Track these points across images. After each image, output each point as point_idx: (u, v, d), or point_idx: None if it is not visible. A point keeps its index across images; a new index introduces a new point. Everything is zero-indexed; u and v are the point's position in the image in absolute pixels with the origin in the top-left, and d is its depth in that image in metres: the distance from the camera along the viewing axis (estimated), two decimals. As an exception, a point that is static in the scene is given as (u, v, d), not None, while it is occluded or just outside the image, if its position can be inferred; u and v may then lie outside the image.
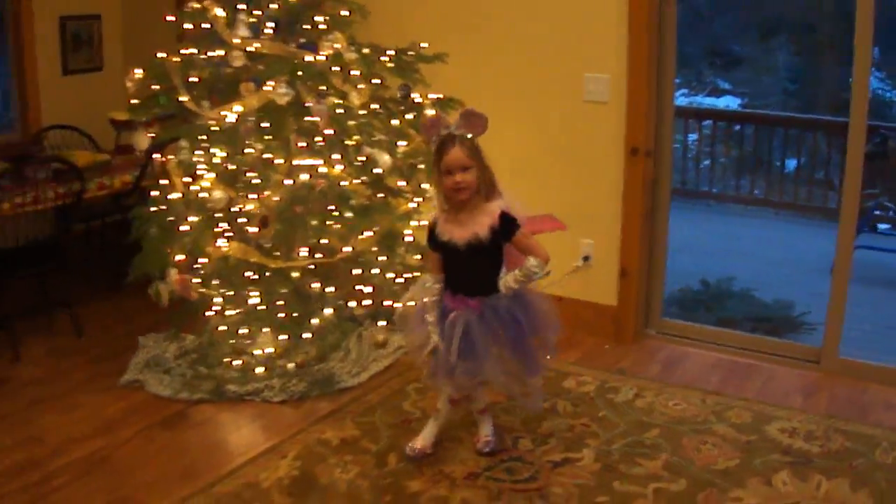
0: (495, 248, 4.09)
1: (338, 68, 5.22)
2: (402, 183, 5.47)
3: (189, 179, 5.30)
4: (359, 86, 5.29)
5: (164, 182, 5.43)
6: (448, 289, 4.21)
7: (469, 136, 4.10)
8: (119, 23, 8.68)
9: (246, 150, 5.11)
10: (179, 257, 5.16)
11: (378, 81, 5.49)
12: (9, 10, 7.93)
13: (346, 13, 5.43)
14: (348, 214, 5.15)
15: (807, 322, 6.93)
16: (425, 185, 5.47)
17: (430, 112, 5.35)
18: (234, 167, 5.15)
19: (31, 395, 5.40)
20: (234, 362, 5.43)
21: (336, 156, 5.16)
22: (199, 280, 5.26)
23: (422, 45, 5.56)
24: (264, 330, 5.33)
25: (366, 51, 5.36)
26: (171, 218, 5.34)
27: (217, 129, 5.10)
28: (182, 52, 5.26)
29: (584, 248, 6.03)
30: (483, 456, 4.44)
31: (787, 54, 11.45)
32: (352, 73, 5.27)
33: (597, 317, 6.04)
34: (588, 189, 5.96)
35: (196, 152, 5.27)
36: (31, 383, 5.57)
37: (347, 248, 5.30)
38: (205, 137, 5.22)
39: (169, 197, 5.29)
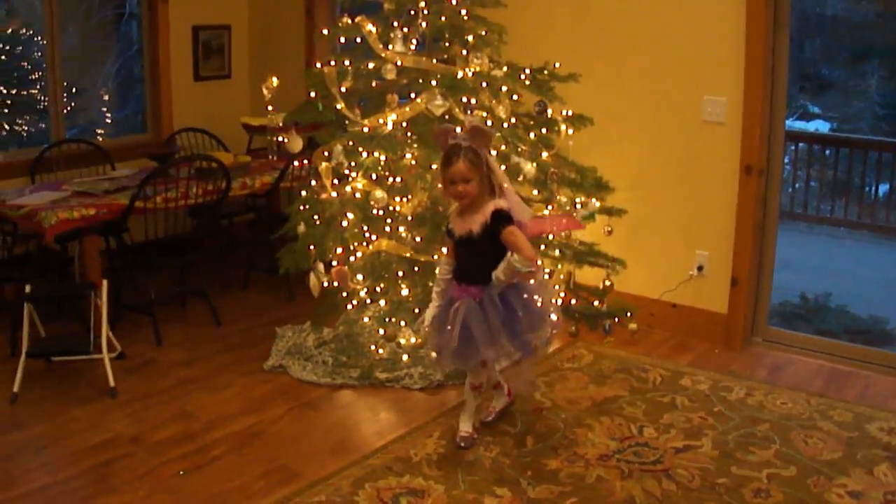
0: (491, 243, 4.37)
1: (484, 84, 5.55)
2: (535, 192, 5.78)
3: (337, 182, 5.67)
4: (504, 100, 5.63)
5: (314, 183, 5.81)
6: (455, 279, 4.58)
7: (474, 148, 4.37)
8: (246, 33, 9.11)
9: (406, 156, 5.48)
10: (338, 251, 5.53)
11: (516, 97, 5.82)
12: (145, 19, 8.38)
13: (483, 33, 5.74)
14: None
15: (902, 335, 7.17)
16: (558, 196, 5.77)
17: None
18: (385, 172, 5.51)
19: (179, 375, 5.82)
20: (380, 350, 5.80)
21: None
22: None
23: (556, 64, 5.88)
24: (403, 324, 5.69)
25: (505, 69, 5.71)
26: (316, 216, 5.73)
27: (371, 135, 5.47)
28: (331, 62, 5.59)
29: (698, 259, 6.34)
30: (485, 425, 4.98)
31: (877, 79, 11.43)
32: (502, 88, 5.61)
33: (708, 323, 6.35)
34: (704, 204, 6.28)
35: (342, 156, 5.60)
36: (176, 365, 5.99)
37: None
38: (351, 143, 5.58)
39: (322, 197, 5.66)
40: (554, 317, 4.78)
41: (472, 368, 4.73)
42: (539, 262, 4.52)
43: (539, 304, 4.55)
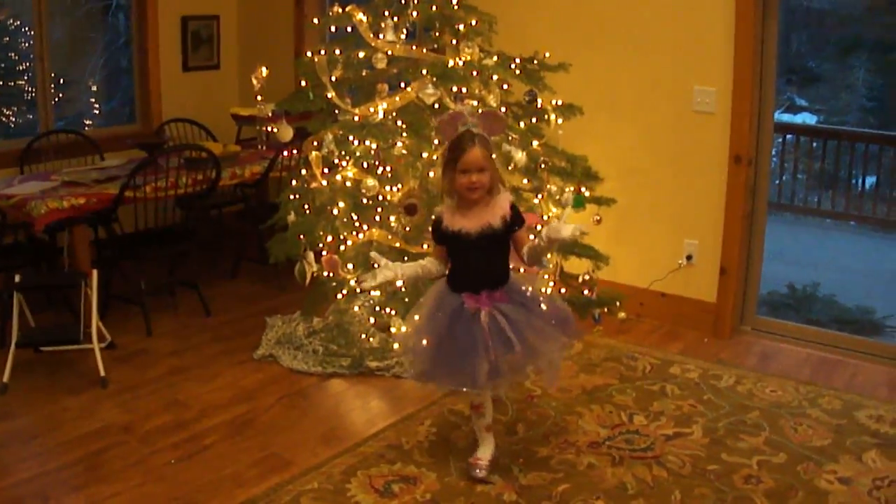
0: (505, 240, 4.11)
1: (475, 73, 5.56)
2: (524, 181, 5.79)
3: (327, 171, 5.67)
4: (495, 90, 5.64)
5: (304, 172, 5.81)
6: (465, 290, 4.13)
7: (486, 136, 4.09)
8: (236, 23, 9.10)
9: (397, 145, 5.48)
10: (328, 240, 5.53)
11: (506, 87, 5.83)
12: (134, 9, 8.38)
13: (473, 22, 5.74)
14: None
15: (889, 325, 7.24)
16: (549, 186, 5.79)
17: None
18: (376, 160, 5.51)
19: (169, 365, 5.82)
20: (371, 339, 5.79)
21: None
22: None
23: (546, 54, 5.90)
24: (394, 312, 5.68)
25: (495, 58, 5.72)
26: (306, 205, 5.75)
27: (362, 124, 5.46)
28: (321, 52, 5.61)
29: (687, 248, 6.37)
30: (475, 482, 4.36)
31: (864, 72, 11.46)
32: (493, 77, 5.63)
33: (697, 312, 6.38)
34: (693, 193, 6.31)
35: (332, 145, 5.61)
36: (166, 355, 5.99)
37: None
38: (341, 132, 5.57)
39: (312, 185, 5.66)
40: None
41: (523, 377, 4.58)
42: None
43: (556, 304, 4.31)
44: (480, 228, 4.05)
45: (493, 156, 4.19)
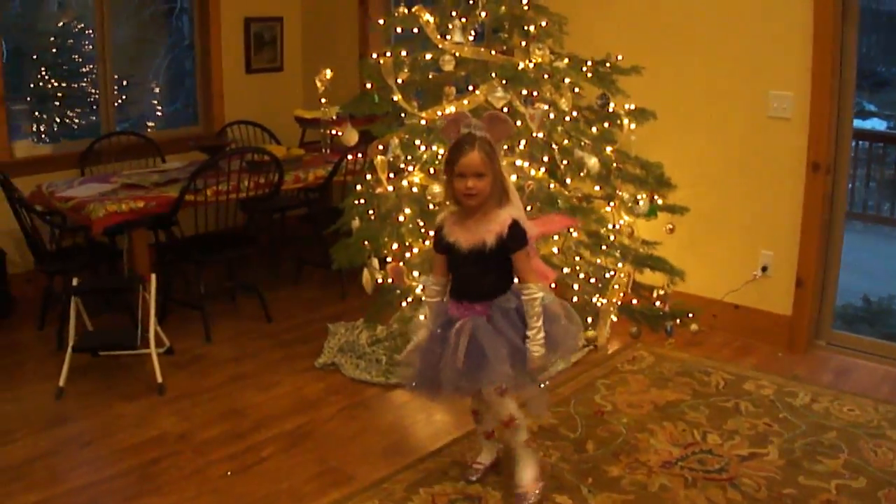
0: (502, 257, 3.86)
1: (546, 76, 5.42)
2: (596, 188, 5.65)
3: (392, 176, 5.54)
4: (567, 93, 5.48)
5: (369, 177, 5.68)
6: (453, 297, 4.02)
7: (489, 140, 3.86)
8: (299, 25, 9.04)
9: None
10: (394, 247, 5.41)
11: (577, 90, 5.69)
12: (196, 11, 8.34)
13: (544, 24, 5.62)
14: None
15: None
16: (620, 192, 5.63)
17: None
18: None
19: (228, 372, 5.73)
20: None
21: (545, 158, 5.38)
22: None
23: (618, 57, 5.75)
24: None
25: (566, 61, 5.56)
26: (371, 210, 5.63)
27: (429, 128, 5.35)
28: (386, 53, 5.50)
29: (763, 259, 6.16)
30: (470, 483, 4.33)
31: None
32: (565, 80, 5.47)
33: (771, 325, 6.16)
34: (768, 202, 6.09)
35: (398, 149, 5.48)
36: (225, 361, 5.90)
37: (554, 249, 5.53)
38: (407, 136, 5.45)
39: (377, 191, 5.54)
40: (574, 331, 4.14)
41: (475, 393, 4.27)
42: (552, 285, 4.11)
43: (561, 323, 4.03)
44: (472, 245, 3.86)
45: (505, 162, 4.00)
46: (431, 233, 5.13)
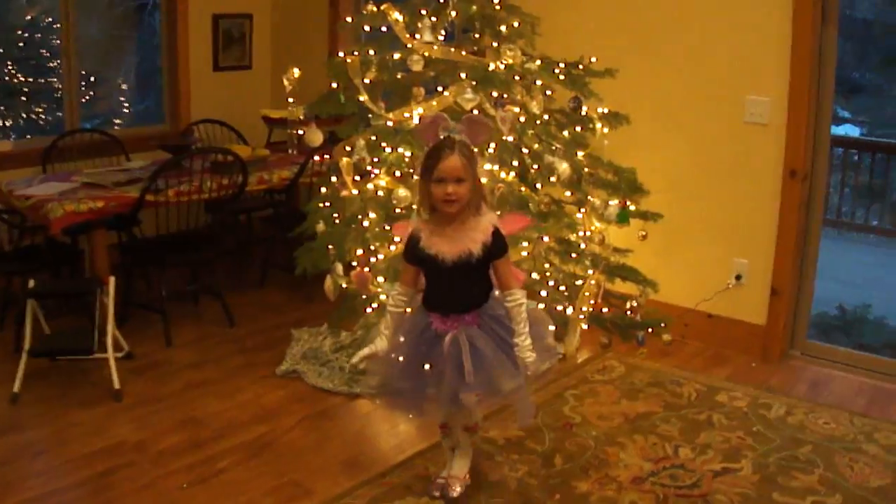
0: (485, 265, 3.76)
1: (517, 77, 5.30)
2: (567, 193, 5.55)
3: (358, 178, 5.40)
4: (538, 96, 5.36)
5: (334, 179, 5.54)
6: (435, 310, 3.86)
7: (468, 144, 3.73)
8: (268, 22, 8.89)
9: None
10: (359, 252, 5.27)
11: (549, 93, 5.56)
12: (164, 6, 8.19)
13: (516, 24, 5.49)
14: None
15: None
16: (591, 198, 5.53)
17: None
18: (410, 169, 5.23)
19: (188, 378, 5.58)
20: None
21: (514, 162, 5.26)
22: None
23: (591, 59, 5.62)
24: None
25: (538, 62, 5.44)
26: (336, 214, 5.49)
27: (396, 130, 5.21)
28: (354, 52, 5.37)
29: (737, 267, 6.06)
30: (434, 499, 4.19)
31: None
32: (537, 82, 5.35)
33: (745, 335, 6.06)
34: (744, 209, 5.99)
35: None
36: (186, 367, 5.75)
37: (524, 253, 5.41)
38: (374, 137, 5.32)
39: (342, 194, 5.40)
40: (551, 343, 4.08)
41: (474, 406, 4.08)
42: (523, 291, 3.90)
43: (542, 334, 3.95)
44: (458, 255, 3.70)
45: (488, 167, 3.88)
46: (397, 239, 5.01)
